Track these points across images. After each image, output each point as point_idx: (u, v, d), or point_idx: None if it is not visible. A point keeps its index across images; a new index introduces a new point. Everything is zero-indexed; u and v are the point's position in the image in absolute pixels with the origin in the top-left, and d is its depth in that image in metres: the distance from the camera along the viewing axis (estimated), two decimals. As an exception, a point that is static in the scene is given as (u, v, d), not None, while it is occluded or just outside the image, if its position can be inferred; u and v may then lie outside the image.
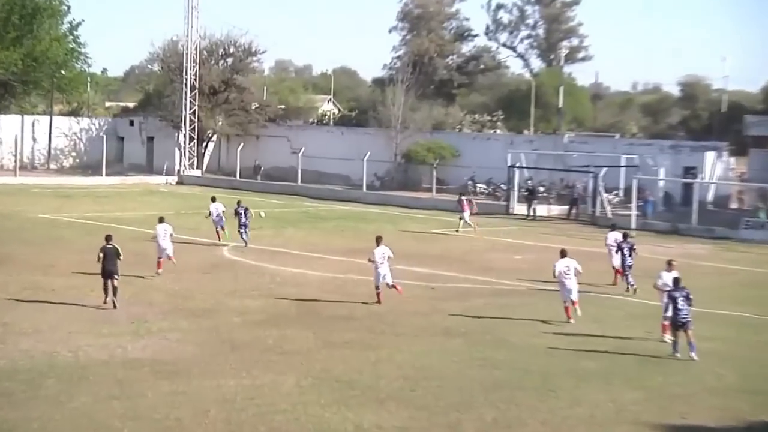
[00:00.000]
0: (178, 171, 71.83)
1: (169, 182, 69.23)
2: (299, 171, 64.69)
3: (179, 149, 73.18)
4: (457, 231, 43.73)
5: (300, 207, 54.17)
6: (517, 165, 56.18)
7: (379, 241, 26.66)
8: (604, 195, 51.52)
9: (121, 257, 25.46)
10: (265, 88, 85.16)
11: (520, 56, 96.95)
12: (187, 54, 71.17)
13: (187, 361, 19.59)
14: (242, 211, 36.92)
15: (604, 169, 51.73)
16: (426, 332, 23.04)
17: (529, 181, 56.45)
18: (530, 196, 52.91)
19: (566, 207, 53.16)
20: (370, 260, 26.51)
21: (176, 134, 73.61)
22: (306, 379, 18.51)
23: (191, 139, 72.62)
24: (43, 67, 75.67)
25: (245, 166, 69.37)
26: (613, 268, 30.06)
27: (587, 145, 62.33)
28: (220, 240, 37.43)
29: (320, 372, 19.07)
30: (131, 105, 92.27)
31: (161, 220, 30.75)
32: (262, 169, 70.93)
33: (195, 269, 31.00)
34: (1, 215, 44.15)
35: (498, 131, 76.97)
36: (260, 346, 21.04)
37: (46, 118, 78.38)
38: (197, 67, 71.82)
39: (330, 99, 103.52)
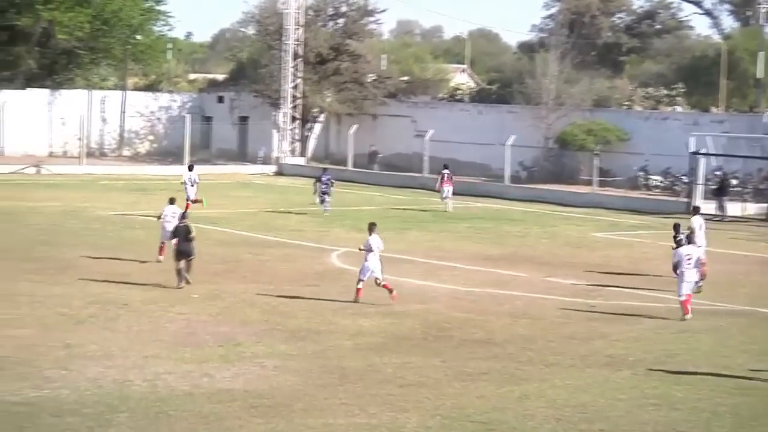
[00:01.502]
0: (277, 159, 72.74)
1: (265, 172, 70.16)
2: (426, 159, 64.78)
3: (278, 132, 74.07)
4: (446, 211, 50.18)
5: (426, 203, 54.21)
6: (703, 151, 55.30)
7: (372, 228, 28.39)
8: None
9: (193, 235, 29.17)
10: (384, 56, 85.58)
11: (708, 13, 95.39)
12: (288, 14, 71.95)
13: (287, 394, 19.80)
14: (326, 180, 47.29)
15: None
16: (585, 362, 22.85)
17: (717, 172, 55.51)
18: (719, 191, 52.03)
19: (766, 205, 52.12)
20: (361, 249, 28.31)
21: (275, 113, 74.53)
22: (433, 419, 18.52)
23: (293, 119, 73.44)
24: (115, 31, 77.40)
25: (359, 152, 69.79)
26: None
27: (795, 126, 61.00)
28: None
29: (451, 410, 19.08)
30: (220, 77, 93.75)
31: (172, 201, 33.48)
32: (380, 156, 71.30)
33: (297, 280, 31.32)
34: (63, 213, 45.35)
35: (678, 109, 75.79)
36: (377, 377, 21.13)
37: (118, 93, 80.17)
38: (301, 30, 72.56)
39: (465, 69, 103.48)
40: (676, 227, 31.45)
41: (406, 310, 27.62)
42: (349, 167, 67.94)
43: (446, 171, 51.78)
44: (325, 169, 50.45)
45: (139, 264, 32.91)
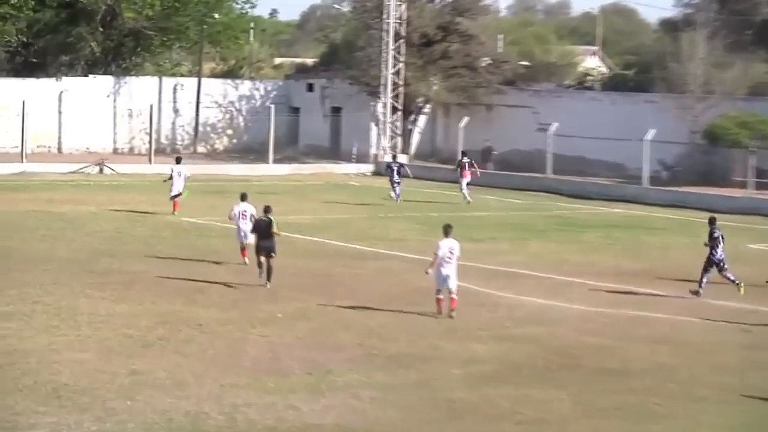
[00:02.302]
0: (375, 156, 72.90)
1: (361, 172, 70.35)
2: (549, 156, 64.58)
3: (377, 125, 74.28)
4: (468, 203, 53.93)
5: (550, 209, 54.01)
6: None
7: (447, 231, 28.96)
8: None
9: (275, 230, 31.23)
10: (501, 36, 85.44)
11: None
12: (389, -12, 72.19)
13: (385, 430, 19.82)
14: (395, 167, 52.93)
15: None
16: (738, 396, 22.59)
17: None
18: None
19: None
20: (436, 255, 28.53)
21: (373, 104, 74.74)
22: (558, 462, 18.46)
23: (394, 110, 73.58)
24: (189, 9, 78.33)
25: (471, 149, 69.56)
26: None
27: None
28: (174, 212, 46.02)
29: (579, 452, 18.99)
30: (310, 62, 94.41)
31: (243, 197, 35.25)
32: (495, 153, 71.15)
33: (398, 297, 31.34)
34: (129, 219, 45.91)
35: None
36: (490, 411, 21.09)
37: (193, 81, 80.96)
38: (404, 6, 72.69)
39: (596, 51, 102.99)
40: (712, 221, 33.17)
41: (526, 333, 27.53)
42: (460, 166, 67.88)
43: (466, 159, 56.15)
44: (394, 157, 59.27)
45: (216, 278, 33.16)
